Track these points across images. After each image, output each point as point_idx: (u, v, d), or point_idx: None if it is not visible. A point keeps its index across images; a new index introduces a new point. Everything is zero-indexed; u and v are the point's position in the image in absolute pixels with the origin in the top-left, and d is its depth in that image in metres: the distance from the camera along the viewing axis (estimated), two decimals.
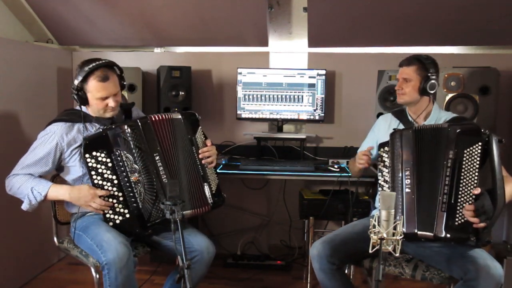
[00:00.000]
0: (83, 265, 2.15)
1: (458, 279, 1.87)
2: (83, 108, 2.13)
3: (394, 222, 1.48)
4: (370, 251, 1.49)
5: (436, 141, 1.97)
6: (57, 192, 2.05)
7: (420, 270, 2.00)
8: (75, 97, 2.07)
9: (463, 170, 1.87)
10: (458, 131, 1.91)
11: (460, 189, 1.87)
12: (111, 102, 2.07)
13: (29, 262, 2.95)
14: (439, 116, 2.20)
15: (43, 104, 3.05)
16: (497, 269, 1.79)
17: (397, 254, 1.48)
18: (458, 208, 1.86)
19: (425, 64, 2.15)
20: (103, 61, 2.07)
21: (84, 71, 2.02)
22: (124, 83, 2.18)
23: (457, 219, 1.87)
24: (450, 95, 2.76)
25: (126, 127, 2.06)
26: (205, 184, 2.19)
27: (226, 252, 3.33)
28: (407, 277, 2.04)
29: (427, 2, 2.79)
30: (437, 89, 2.18)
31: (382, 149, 2.14)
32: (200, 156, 2.19)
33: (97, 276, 2.08)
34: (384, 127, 2.32)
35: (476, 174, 1.85)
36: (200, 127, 2.25)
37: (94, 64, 2.03)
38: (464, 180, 1.87)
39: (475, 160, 1.86)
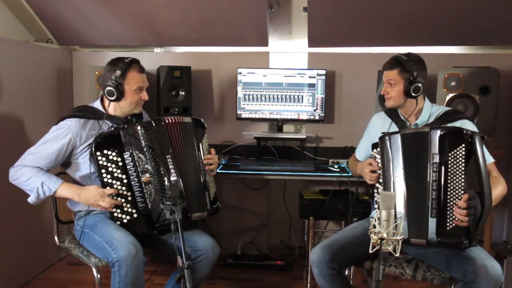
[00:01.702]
0: (83, 265, 2.15)
1: (458, 280, 1.86)
2: (98, 105, 2.18)
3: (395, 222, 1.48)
4: (370, 251, 1.50)
5: (420, 146, 1.93)
6: (67, 191, 2.06)
7: (421, 270, 1.99)
8: (113, 89, 2.09)
9: (449, 174, 1.84)
10: (440, 134, 1.88)
11: (448, 193, 1.84)
12: (145, 95, 2.17)
13: (29, 262, 2.95)
14: (431, 112, 2.17)
15: (43, 104, 3.06)
16: (496, 268, 1.78)
17: (397, 255, 1.48)
18: (448, 212, 1.84)
19: (406, 66, 2.08)
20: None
21: (125, 63, 2.12)
22: None
23: (448, 224, 1.85)
24: (450, 95, 2.76)
25: (139, 127, 2.07)
26: (206, 190, 2.20)
27: (226, 252, 3.33)
28: (407, 278, 2.04)
29: (427, 2, 2.79)
30: (423, 89, 2.10)
31: (375, 150, 2.12)
32: (204, 161, 2.21)
33: (98, 276, 2.07)
34: (378, 126, 2.30)
35: (463, 176, 1.82)
36: (206, 135, 2.26)
37: (130, 58, 2.16)
38: (452, 183, 1.84)
39: (460, 163, 1.83)
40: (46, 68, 3.14)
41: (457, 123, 2.08)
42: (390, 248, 1.48)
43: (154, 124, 2.10)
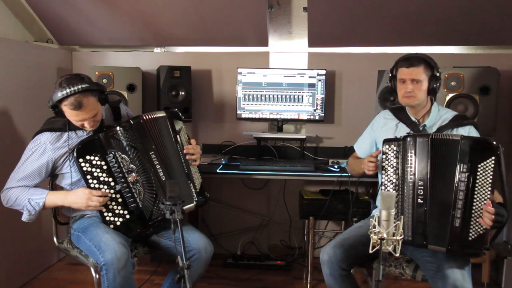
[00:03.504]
0: (83, 265, 2.15)
1: None
2: None
3: (395, 222, 1.48)
4: (370, 251, 1.49)
5: (450, 153, 1.89)
6: (55, 199, 2.05)
7: (421, 270, 1.99)
8: (54, 113, 2.04)
9: (477, 185, 1.81)
10: (471, 145, 1.84)
11: (474, 204, 1.82)
12: (86, 125, 2.03)
13: (29, 262, 2.95)
14: (439, 114, 2.17)
15: (43, 104, 3.00)
16: None
17: (397, 255, 1.48)
18: (472, 223, 1.82)
19: (430, 63, 2.08)
20: (77, 88, 1.92)
21: (57, 97, 1.93)
22: (105, 95, 2.06)
23: (470, 235, 1.83)
24: (450, 95, 2.76)
25: (118, 128, 2.07)
26: (189, 181, 2.20)
27: (226, 252, 3.32)
28: (407, 278, 2.04)
29: (427, 2, 2.79)
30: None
31: (387, 146, 2.02)
32: (184, 151, 2.19)
33: (97, 276, 2.07)
34: (383, 124, 2.28)
35: (490, 188, 1.80)
36: (183, 126, 2.26)
37: (67, 91, 1.91)
38: (478, 195, 1.81)
39: (488, 175, 1.80)
40: (46, 68, 3.14)
41: (465, 128, 2.10)
42: (390, 248, 1.48)
43: (132, 123, 2.09)
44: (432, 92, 2.11)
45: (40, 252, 3.04)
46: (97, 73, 2.97)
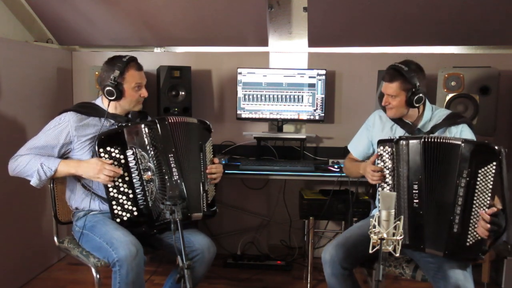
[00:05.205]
0: (83, 265, 2.15)
1: None
2: (100, 103, 2.20)
3: (395, 222, 1.48)
4: (370, 251, 1.49)
5: (448, 157, 1.85)
6: (67, 167, 2.07)
7: (421, 271, 1.99)
8: (112, 89, 2.10)
9: (476, 191, 1.78)
10: (472, 149, 1.80)
11: (473, 210, 1.79)
12: (144, 92, 2.20)
13: (29, 262, 2.95)
14: (433, 114, 2.17)
15: (43, 104, 3.05)
16: None
17: (397, 255, 1.48)
18: (470, 229, 1.80)
19: (407, 78, 2.04)
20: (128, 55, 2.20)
21: (123, 62, 2.12)
22: None
23: (468, 240, 1.80)
24: (450, 95, 2.76)
25: (143, 125, 2.09)
26: (203, 192, 2.20)
27: (226, 252, 3.33)
28: (407, 278, 2.04)
29: (427, 2, 2.79)
30: (426, 98, 2.11)
31: (382, 147, 2.01)
32: (207, 171, 2.20)
33: (98, 276, 2.07)
34: (379, 125, 2.28)
35: (489, 194, 1.76)
36: (211, 138, 2.26)
37: (128, 56, 2.17)
38: (477, 201, 1.78)
39: (489, 180, 1.76)
40: (46, 68, 3.14)
41: (458, 127, 2.09)
42: (390, 248, 1.48)
43: (158, 123, 2.11)
44: (411, 104, 2.08)
45: (40, 252, 3.04)
46: (97, 73, 2.96)
